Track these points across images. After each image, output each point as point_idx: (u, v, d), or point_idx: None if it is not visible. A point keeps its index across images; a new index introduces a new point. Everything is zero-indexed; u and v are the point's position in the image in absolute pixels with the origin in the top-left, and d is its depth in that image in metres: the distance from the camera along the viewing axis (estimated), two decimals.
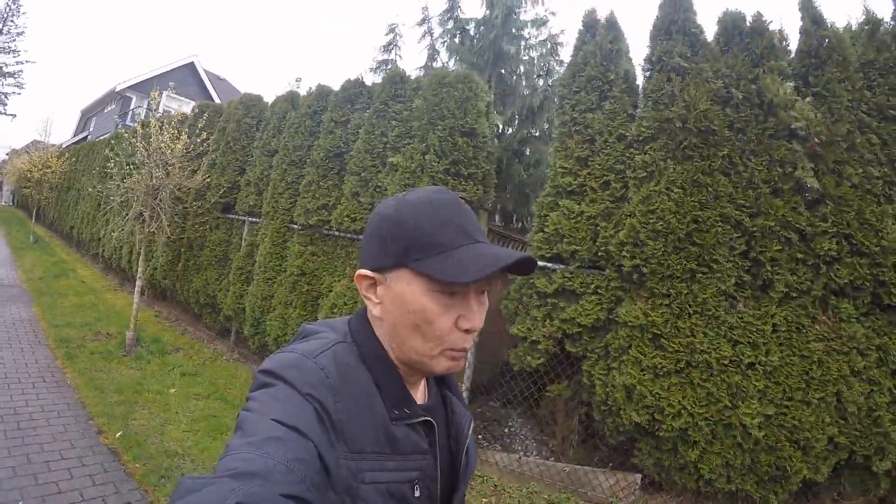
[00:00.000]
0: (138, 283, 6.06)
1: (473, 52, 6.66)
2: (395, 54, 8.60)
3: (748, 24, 3.56)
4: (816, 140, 3.30)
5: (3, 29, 40.90)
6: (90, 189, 11.06)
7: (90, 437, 3.72)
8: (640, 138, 3.61)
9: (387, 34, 8.55)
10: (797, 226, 3.26)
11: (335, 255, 4.99)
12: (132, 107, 22.14)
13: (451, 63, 6.96)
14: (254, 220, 6.19)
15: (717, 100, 3.43)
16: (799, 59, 3.53)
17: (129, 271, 8.70)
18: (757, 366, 3.22)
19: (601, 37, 4.00)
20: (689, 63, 3.55)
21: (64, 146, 21.57)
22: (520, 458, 3.81)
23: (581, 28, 4.20)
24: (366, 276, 0.78)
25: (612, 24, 4.06)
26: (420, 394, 0.84)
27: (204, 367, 5.48)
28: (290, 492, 0.53)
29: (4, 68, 41.35)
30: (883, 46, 3.45)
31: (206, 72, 25.71)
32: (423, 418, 0.77)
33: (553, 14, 7.09)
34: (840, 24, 3.65)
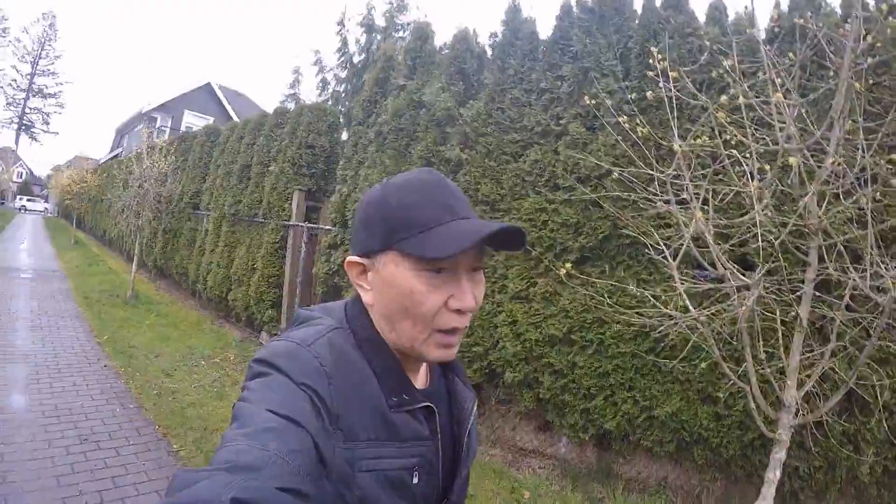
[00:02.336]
0: (135, 258, 8.93)
1: (355, 77, 9.02)
2: (298, 88, 11.41)
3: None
4: (462, 122, 4.38)
5: (42, 53, 45.04)
6: (105, 198, 14.23)
7: (90, 339, 6.46)
8: (380, 135, 5.41)
9: (292, 74, 11.44)
10: None
11: (243, 232, 7.61)
12: (158, 125, 25.58)
13: (339, 89, 9.45)
14: (210, 213, 8.89)
15: (412, 104, 4.85)
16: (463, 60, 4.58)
17: (140, 256, 11.66)
18: None
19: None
20: (405, 80, 5.14)
21: (101, 162, 25.11)
22: None
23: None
24: (356, 263, 0.76)
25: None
26: (421, 378, 0.82)
27: (172, 312, 8.26)
28: (285, 484, 0.52)
29: (46, 90, 45.72)
30: (565, 27, 4.00)
31: (222, 89, 29.04)
32: (422, 404, 0.75)
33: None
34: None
